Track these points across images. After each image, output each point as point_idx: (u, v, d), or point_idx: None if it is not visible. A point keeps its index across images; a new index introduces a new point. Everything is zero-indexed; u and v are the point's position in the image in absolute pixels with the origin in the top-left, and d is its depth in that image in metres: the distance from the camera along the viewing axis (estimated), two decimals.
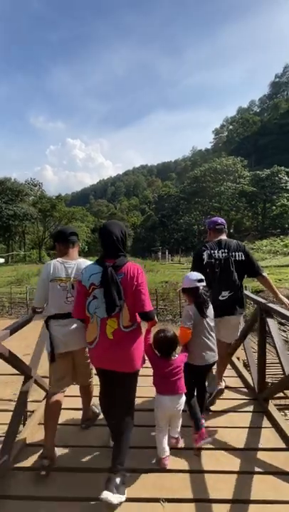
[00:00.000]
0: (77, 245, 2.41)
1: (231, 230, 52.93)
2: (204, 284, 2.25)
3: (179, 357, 2.10)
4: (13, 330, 2.35)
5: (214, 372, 2.96)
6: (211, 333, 2.27)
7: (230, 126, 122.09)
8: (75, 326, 2.15)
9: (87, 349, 2.18)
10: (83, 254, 51.14)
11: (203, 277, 2.28)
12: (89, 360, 2.25)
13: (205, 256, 2.59)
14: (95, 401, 2.54)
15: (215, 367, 2.67)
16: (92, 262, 2.05)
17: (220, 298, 2.54)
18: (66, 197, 58.72)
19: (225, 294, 2.56)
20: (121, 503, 1.68)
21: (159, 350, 2.07)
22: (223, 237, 2.76)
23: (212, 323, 2.30)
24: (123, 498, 1.70)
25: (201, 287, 2.21)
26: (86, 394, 2.50)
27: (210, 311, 2.29)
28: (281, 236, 39.99)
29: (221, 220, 2.85)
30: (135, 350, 1.86)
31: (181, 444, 2.26)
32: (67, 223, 45.92)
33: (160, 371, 2.05)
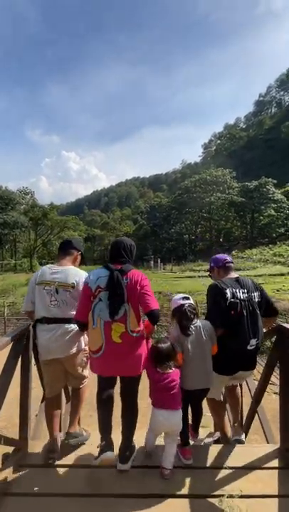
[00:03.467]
0: (74, 256, 2.34)
1: (221, 239, 53.30)
2: (190, 301, 2.13)
3: (175, 371, 1.97)
4: (14, 337, 2.11)
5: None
6: (204, 353, 2.02)
7: (218, 141, 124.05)
8: (60, 331, 2.07)
9: (79, 355, 2.17)
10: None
11: (188, 296, 2.17)
12: (82, 365, 2.22)
13: (228, 294, 2.10)
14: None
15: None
16: (99, 267, 1.99)
17: (248, 348, 2.08)
18: (60, 206, 57.17)
19: (253, 343, 2.10)
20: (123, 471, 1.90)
21: (155, 360, 1.95)
22: (235, 274, 2.32)
23: (205, 342, 2.02)
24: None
25: (187, 304, 2.08)
26: (77, 397, 2.32)
27: (198, 328, 2.04)
28: (270, 245, 39.87)
29: (229, 257, 2.48)
30: (142, 354, 1.90)
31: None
32: (59, 232, 44.68)
33: (156, 384, 1.94)
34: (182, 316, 2.04)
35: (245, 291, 2.15)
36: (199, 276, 24.92)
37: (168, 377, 1.92)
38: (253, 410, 2.55)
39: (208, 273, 2.71)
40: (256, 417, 2.56)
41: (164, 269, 36.97)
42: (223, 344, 2.07)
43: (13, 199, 39.68)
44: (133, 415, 2.02)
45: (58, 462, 2.02)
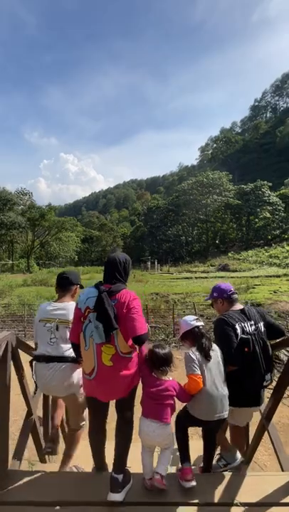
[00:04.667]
0: (73, 291, 2.32)
1: (217, 241, 53.17)
2: (202, 324, 1.98)
3: (171, 380, 1.83)
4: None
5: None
6: (220, 378, 1.85)
7: (215, 145, 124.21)
8: (58, 370, 2.06)
9: (78, 394, 2.17)
10: (73, 263, 49.63)
11: (198, 318, 2.03)
12: (80, 405, 2.22)
13: (238, 330, 1.97)
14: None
15: None
16: (91, 286, 1.91)
17: (264, 384, 2.01)
18: (58, 207, 56.54)
19: (268, 378, 2.01)
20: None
21: (151, 364, 1.84)
22: (239, 305, 2.19)
23: (221, 367, 1.88)
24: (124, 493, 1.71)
25: (200, 326, 1.95)
26: (72, 441, 2.28)
27: (215, 352, 1.90)
28: (265, 247, 39.85)
29: (232, 287, 2.28)
30: (135, 373, 1.81)
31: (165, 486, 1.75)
32: (57, 233, 44.17)
33: (147, 389, 1.82)
34: (202, 338, 1.89)
35: (253, 323, 2.05)
36: (196, 278, 24.75)
37: (162, 384, 1.79)
38: (263, 429, 2.24)
39: (210, 303, 2.46)
40: (265, 434, 2.25)
41: (161, 270, 36.74)
42: (237, 382, 1.94)
43: (10, 199, 39.04)
44: (127, 430, 1.87)
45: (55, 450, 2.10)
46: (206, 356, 1.84)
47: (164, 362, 1.82)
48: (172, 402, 1.81)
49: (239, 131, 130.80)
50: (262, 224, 45.36)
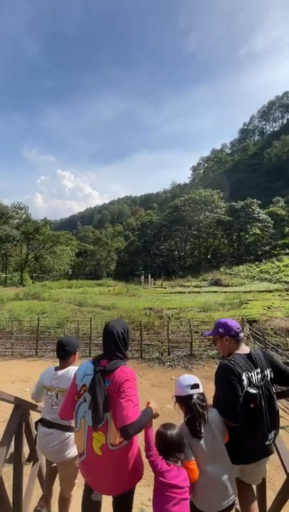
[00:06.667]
0: (72, 357, 2.38)
1: (209, 256, 53.31)
2: (200, 390, 1.66)
3: (184, 471, 1.47)
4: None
5: None
6: (220, 452, 1.57)
7: (206, 164, 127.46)
8: (56, 437, 2.12)
9: (72, 463, 2.18)
10: (67, 277, 48.65)
11: (198, 382, 1.70)
12: (73, 475, 2.26)
13: (245, 381, 1.68)
14: None
15: None
16: (89, 360, 1.77)
17: (266, 443, 1.70)
18: (53, 222, 56.18)
19: (271, 436, 1.72)
20: None
21: (163, 451, 1.51)
22: (246, 348, 1.87)
23: (218, 440, 1.57)
24: None
25: (196, 395, 1.63)
26: (64, 506, 2.33)
27: (209, 425, 1.60)
28: (256, 262, 39.97)
29: (238, 324, 1.94)
30: (125, 472, 1.54)
31: None
32: (51, 246, 43.53)
33: (163, 478, 1.44)
34: (191, 414, 1.59)
35: (259, 370, 1.78)
36: (189, 292, 24.34)
37: (180, 474, 1.43)
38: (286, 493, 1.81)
39: (212, 339, 2.22)
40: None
41: (154, 284, 36.28)
42: (235, 438, 1.66)
43: (6, 213, 38.52)
44: None
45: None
46: (197, 436, 1.55)
47: (178, 447, 1.51)
48: (187, 496, 1.45)
49: (229, 152, 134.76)
50: (252, 240, 45.92)
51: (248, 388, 1.66)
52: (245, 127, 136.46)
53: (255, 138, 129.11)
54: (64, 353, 2.36)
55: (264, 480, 1.95)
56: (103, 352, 1.74)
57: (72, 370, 2.24)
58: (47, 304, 17.06)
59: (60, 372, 2.28)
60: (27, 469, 2.52)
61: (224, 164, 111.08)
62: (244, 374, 1.70)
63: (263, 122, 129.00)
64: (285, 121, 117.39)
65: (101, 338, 1.77)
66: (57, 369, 2.32)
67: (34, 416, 2.48)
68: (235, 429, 1.66)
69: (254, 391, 1.66)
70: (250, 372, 1.73)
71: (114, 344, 1.69)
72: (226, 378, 1.69)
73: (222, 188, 63.23)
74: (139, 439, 1.59)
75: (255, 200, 48.08)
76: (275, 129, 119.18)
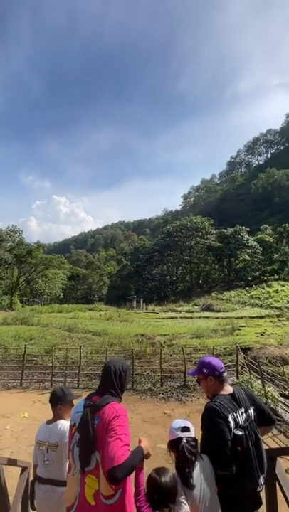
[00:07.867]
0: (62, 405, 2.26)
1: (200, 281, 53.31)
2: (191, 434, 1.58)
3: None
4: None
5: None
6: (213, 498, 1.47)
7: (196, 193, 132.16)
8: (51, 494, 2.04)
9: None
10: (58, 300, 47.35)
11: (189, 425, 1.61)
12: None
13: (232, 423, 1.60)
14: None
15: None
16: (84, 398, 1.67)
17: (258, 489, 1.62)
18: (47, 245, 55.79)
19: (261, 481, 1.61)
20: None
21: (153, 500, 1.39)
22: (229, 387, 1.81)
23: (208, 490, 1.46)
24: None
25: (185, 438, 1.54)
26: None
27: (200, 472, 1.48)
28: (246, 288, 40.04)
29: (222, 364, 1.87)
30: None
31: None
32: (43, 269, 42.84)
33: None
34: (181, 460, 1.47)
35: (244, 410, 1.71)
36: (181, 318, 23.84)
37: None
38: None
39: (196, 379, 2.09)
40: None
41: (146, 309, 35.58)
42: (222, 487, 1.54)
43: None
44: None
45: None
46: (187, 485, 1.42)
47: (172, 496, 1.38)
48: None
49: (218, 182, 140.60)
50: (242, 265, 46.46)
51: (235, 430, 1.58)
52: (232, 160, 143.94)
53: (242, 170, 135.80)
54: (55, 400, 2.32)
55: None
56: (98, 388, 1.67)
57: (61, 423, 2.18)
58: (35, 330, 16.29)
59: (50, 425, 2.24)
60: None
61: (214, 193, 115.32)
62: (230, 415, 1.63)
63: (249, 156, 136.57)
64: (269, 155, 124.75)
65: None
66: (48, 422, 2.27)
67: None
68: (223, 477, 1.55)
69: (240, 433, 1.57)
70: (236, 413, 1.67)
71: (110, 381, 1.61)
72: (213, 423, 1.61)
73: (212, 215, 65.06)
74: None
75: (244, 227, 49.37)
76: (260, 162, 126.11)
